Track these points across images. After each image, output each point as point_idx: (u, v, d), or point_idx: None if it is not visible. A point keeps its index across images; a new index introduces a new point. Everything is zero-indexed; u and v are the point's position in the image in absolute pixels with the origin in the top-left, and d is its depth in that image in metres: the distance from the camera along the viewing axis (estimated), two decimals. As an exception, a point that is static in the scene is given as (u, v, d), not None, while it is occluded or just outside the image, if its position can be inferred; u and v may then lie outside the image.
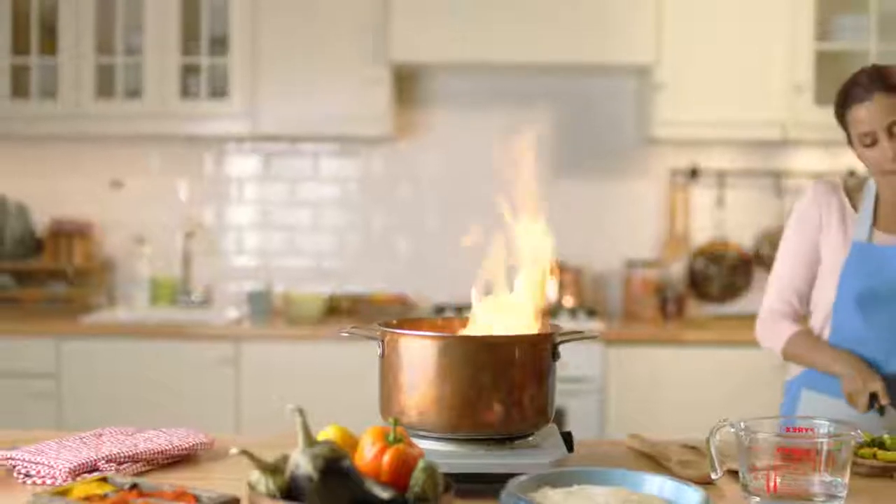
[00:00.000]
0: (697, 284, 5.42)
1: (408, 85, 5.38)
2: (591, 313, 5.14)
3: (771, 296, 2.94)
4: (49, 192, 5.43)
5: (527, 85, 5.41)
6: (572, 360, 4.66)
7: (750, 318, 5.07)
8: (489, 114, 5.40)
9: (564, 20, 4.88)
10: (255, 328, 4.92)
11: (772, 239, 5.31)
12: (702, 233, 5.44)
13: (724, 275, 5.39)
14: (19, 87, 5.16)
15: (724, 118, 5.04)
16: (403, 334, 2.05)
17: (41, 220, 5.39)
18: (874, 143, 2.66)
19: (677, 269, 5.39)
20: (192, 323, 4.96)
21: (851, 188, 2.85)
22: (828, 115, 4.95)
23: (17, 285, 5.29)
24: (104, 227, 5.46)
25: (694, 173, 5.38)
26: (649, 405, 4.76)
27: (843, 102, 2.73)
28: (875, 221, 2.76)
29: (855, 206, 2.80)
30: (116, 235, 5.46)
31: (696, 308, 5.39)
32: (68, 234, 5.35)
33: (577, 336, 2.17)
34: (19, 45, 5.14)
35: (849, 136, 2.75)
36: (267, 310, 5.06)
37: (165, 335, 4.83)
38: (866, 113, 2.66)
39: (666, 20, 4.97)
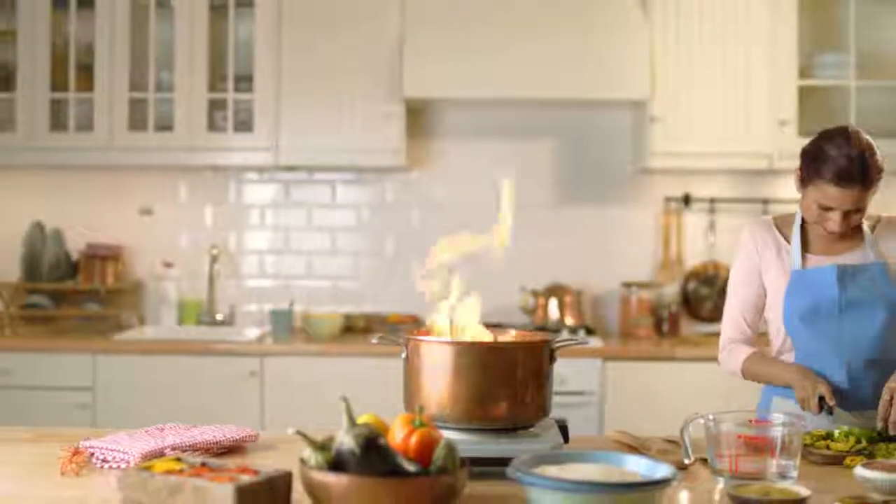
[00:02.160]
0: (690, 304, 5.72)
1: (419, 119, 5.70)
2: (590, 331, 5.45)
3: (726, 329, 3.24)
4: (84, 218, 5.76)
5: (530, 119, 5.74)
6: (573, 375, 5.00)
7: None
8: (495, 145, 5.72)
9: (564, 59, 5.18)
10: (278, 345, 5.25)
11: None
12: (694, 256, 5.75)
13: (715, 295, 5.69)
14: (57, 121, 5.46)
15: (714, 149, 5.33)
16: (424, 341, 2.41)
17: (76, 245, 5.71)
18: (829, 210, 2.96)
19: (671, 290, 5.69)
20: (219, 340, 5.28)
21: (781, 223, 3.17)
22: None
23: (54, 305, 5.63)
24: (135, 251, 5.79)
25: (686, 201, 5.69)
26: (644, 416, 5.02)
27: (820, 170, 2.94)
28: (806, 248, 3.10)
29: (787, 238, 3.13)
30: (146, 259, 5.79)
31: (688, 326, 5.69)
32: (101, 257, 5.64)
33: (571, 342, 2.54)
34: (58, 82, 5.44)
35: (803, 179, 3.02)
36: (288, 328, 5.39)
37: (195, 351, 5.15)
38: (837, 196, 2.92)
39: (659, 59, 5.29)
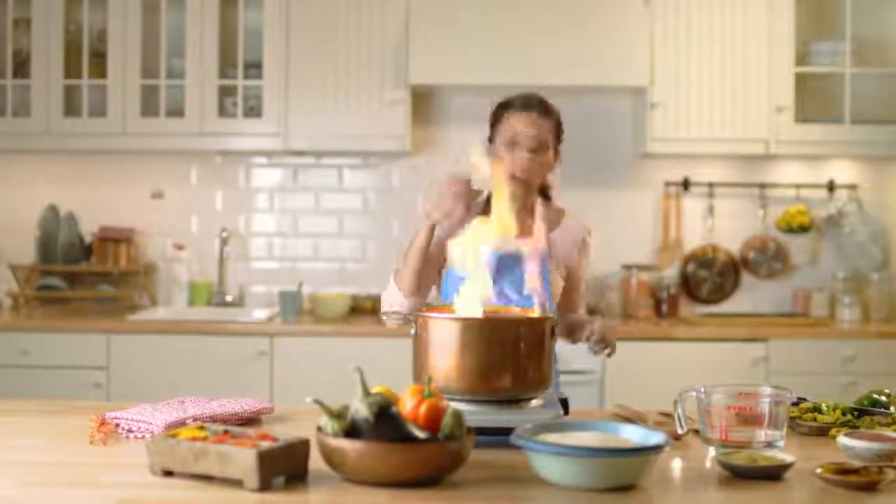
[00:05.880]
0: (689, 286, 5.84)
1: (424, 105, 5.82)
2: (592, 313, 5.57)
3: None
4: (97, 202, 5.89)
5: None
6: (575, 355, 5.07)
7: (736, 317, 5.61)
8: (498, 131, 5.84)
9: (566, 46, 5.31)
10: (286, 325, 5.37)
11: (757, 245, 5.80)
12: (693, 239, 5.88)
13: (713, 277, 5.83)
14: (71, 107, 5.58)
15: (712, 135, 5.46)
16: (433, 317, 2.54)
17: (90, 228, 5.83)
18: (516, 145, 3.18)
19: (671, 273, 5.81)
20: (230, 321, 5.41)
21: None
22: (807, 132, 5.48)
23: (68, 287, 5.76)
24: (147, 234, 5.92)
25: (686, 185, 5.82)
26: (644, 394, 5.12)
27: (507, 106, 3.25)
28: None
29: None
30: (158, 241, 5.92)
31: (687, 308, 5.82)
32: (114, 240, 5.77)
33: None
34: (72, 69, 5.57)
35: (491, 130, 3.28)
36: (296, 309, 5.50)
37: (206, 332, 5.28)
38: (523, 122, 3.19)
39: (659, 46, 5.42)
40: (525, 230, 3.05)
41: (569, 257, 3.30)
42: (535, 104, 3.23)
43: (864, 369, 5.21)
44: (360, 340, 5.25)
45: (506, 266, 3.07)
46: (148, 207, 5.93)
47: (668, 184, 5.84)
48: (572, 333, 3.25)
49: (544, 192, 3.40)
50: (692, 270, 5.84)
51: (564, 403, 2.66)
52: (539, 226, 3.00)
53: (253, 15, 5.61)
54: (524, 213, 3.16)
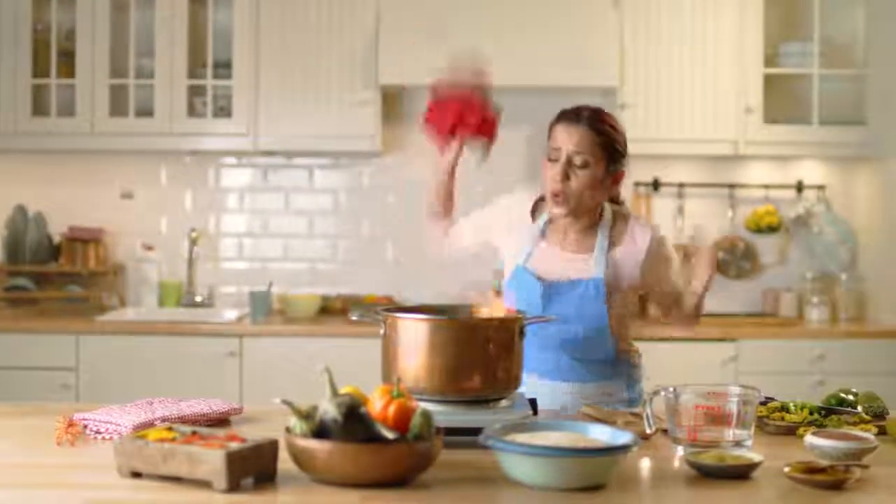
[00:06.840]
0: (659, 287, 5.88)
1: (394, 105, 5.81)
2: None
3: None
4: (66, 202, 5.84)
5: (503, 105, 5.86)
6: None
7: (706, 317, 5.56)
8: (469, 131, 5.84)
9: (536, 47, 5.32)
10: (256, 326, 5.35)
11: (726, 245, 5.82)
12: (663, 240, 5.91)
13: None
14: (39, 106, 5.55)
15: (682, 136, 5.49)
16: (402, 317, 2.54)
17: (58, 228, 5.78)
18: (556, 161, 3.02)
19: (640, 273, 5.84)
20: (199, 321, 5.39)
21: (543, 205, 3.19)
22: (775, 132, 5.52)
23: (36, 287, 5.72)
24: (116, 235, 5.88)
25: (656, 185, 5.85)
26: None
27: (553, 120, 3.08)
28: (543, 234, 3.16)
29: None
30: (127, 242, 5.88)
31: (656, 308, 5.83)
32: (83, 240, 5.72)
33: (539, 319, 2.68)
34: (40, 69, 5.54)
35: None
36: (266, 309, 5.48)
37: (175, 332, 5.26)
38: (561, 135, 3.01)
39: (629, 47, 5.45)
40: (579, 249, 3.09)
41: (641, 273, 3.18)
42: (573, 116, 3.02)
43: (832, 369, 5.25)
44: (330, 341, 5.24)
45: (555, 292, 3.03)
46: (117, 207, 5.90)
47: (637, 184, 5.85)
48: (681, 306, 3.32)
49: (614, 200, 3.25)
50: (662, 270, 5.84)
51: (533, 403, 2.66)
52: (599, 241, 3.07)
53: (223, 14, 5.60)
54: (575, 231, 3.12)
